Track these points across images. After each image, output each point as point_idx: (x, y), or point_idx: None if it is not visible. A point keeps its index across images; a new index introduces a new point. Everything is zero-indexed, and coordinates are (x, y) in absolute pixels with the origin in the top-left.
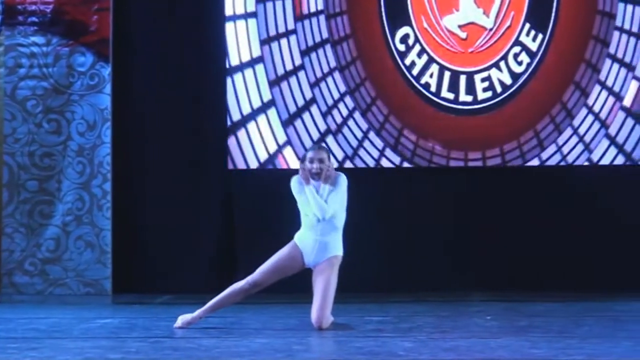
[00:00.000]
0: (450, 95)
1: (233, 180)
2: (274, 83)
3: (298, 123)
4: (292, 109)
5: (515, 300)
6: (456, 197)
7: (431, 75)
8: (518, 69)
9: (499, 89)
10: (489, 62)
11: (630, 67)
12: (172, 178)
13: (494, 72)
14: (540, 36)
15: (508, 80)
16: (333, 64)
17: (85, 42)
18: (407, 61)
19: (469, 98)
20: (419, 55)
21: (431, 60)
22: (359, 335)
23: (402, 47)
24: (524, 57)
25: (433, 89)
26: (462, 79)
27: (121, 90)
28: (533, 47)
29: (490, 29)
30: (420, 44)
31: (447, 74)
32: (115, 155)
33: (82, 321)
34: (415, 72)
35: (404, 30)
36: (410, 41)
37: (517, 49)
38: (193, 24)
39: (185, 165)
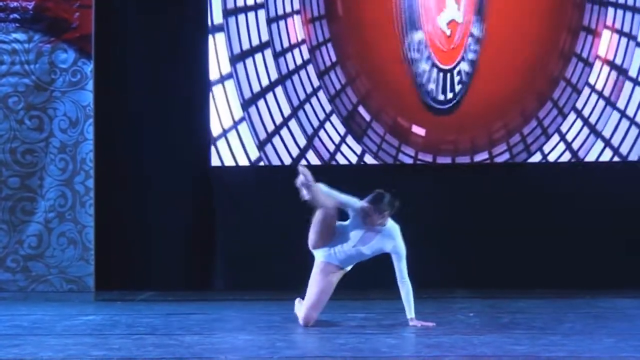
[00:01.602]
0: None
1: (216, 178)
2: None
3: (249, 62)
4: (246, 46)
5: (498, 297)
6: (438, 194)
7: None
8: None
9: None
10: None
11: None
12: (155, 175)
13: (463, 66)
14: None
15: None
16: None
17: (67, 39)
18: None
19: (450, 95)
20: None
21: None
22: (343, 331)
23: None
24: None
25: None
26: (448, 77)
27: (103, 87)
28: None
29: (461, 23)
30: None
31: (441, 75)
32: (98, 152)
33: (64, 318)
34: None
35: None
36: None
37: (470, 39)
38: (175, 20)
39: (168, 162)
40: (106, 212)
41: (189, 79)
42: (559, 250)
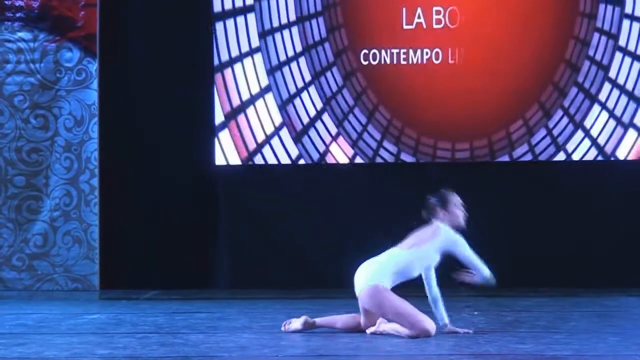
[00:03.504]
0: None
1: (220, 177)
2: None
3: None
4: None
5: (502, 296)
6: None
7: None
8: None
9: None
10: None
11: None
12: (159, 174)
13: None
14: None
15: None
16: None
17: (72, 38)
18: None
19: None
20: None
21: None
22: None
23: None
24: None
25: None
26: None
27: (108, 85)
28: None
29: None
30: None
31: None
32: (103, 151)
33: (69, 317)
34: None
35: None
36: None
37: None
38: (180, 18)
39: (172, 161)
40: (111, 211)
41: (193, 77)
42: (564, 248)
